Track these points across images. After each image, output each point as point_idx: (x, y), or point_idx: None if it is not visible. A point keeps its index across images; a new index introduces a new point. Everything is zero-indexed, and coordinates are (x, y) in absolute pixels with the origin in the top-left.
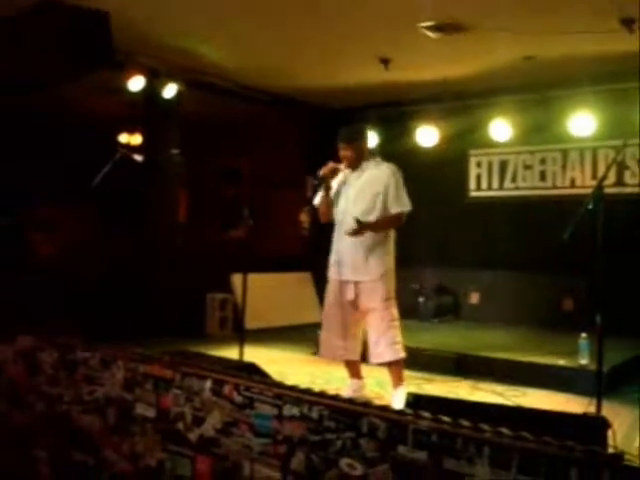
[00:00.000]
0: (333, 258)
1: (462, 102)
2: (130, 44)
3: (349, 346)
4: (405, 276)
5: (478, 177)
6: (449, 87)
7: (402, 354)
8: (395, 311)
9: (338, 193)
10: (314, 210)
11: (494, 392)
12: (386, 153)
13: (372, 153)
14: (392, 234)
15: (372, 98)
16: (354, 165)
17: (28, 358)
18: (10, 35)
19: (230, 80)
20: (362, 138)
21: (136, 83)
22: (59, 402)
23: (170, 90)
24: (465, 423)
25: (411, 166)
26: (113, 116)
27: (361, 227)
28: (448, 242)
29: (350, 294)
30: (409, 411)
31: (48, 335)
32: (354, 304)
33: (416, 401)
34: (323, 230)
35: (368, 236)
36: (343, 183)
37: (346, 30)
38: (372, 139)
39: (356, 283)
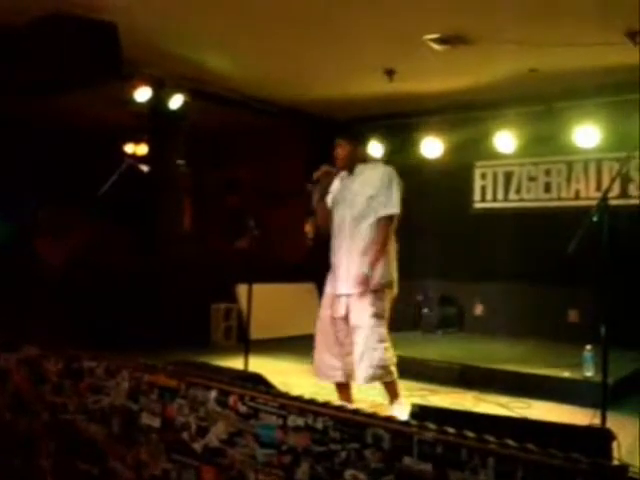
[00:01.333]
0: (329, 274)
1: (467, 114)
2: (137, 55)
3: (345, 367)
4: (409, 287)
5: (483, 188)
6: (454, 99)
7: (387, 378)
8: (384, 331)
9: (336, 199)
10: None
11: (498, 404)
12: (390, 164)
13: (372, 160)
14: (393, 243)
15: (376, 109)
16: (348, 166)
17: (33, 367)
18: (20, 45)
19: (235, 91)
20: (362, 141)
21: (143, 94)
22: (64, 411)
23: (176, 101)
24: (470, 434)
25: (416, 178)
26: (119, 126)
27: (364, 278)
28: (452, 253)
29: (342, 309)
30: (414, 422)
31: (53, 344)
32: (346, 320)
33: (421, 412)
34: (327, 241)
35: (363, 244)
36: (341, 189)
37: (351, 42)
38: (374, 150)
39: (348, 296)
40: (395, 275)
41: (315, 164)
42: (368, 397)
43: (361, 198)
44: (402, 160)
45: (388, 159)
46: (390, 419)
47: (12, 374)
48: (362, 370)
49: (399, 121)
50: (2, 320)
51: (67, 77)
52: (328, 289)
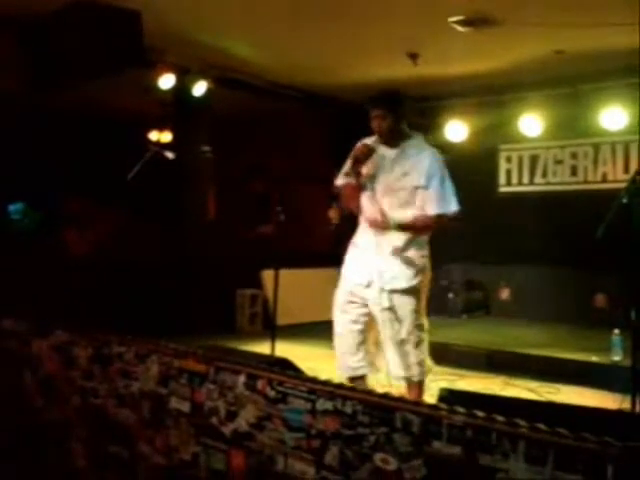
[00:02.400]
0: (349, 256)
1: (492, 97)
2: (161, 42)
3: (365, 360)
4: (433, 272)
5: (508, 172)
6: (478, 82)
7: (422, 376)
8: (424, 321)
9: (370, 177)
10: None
11: (527, 388)
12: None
13: (411, 128)
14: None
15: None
16: (390, 141)
17: (63, 352)
18: (44, 34)
19: (259, 77)
20: (403, 105)
21: (166, 81)
22: (95, 396)
23: (200, 88)
24: (499, 418)
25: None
26: (144, 114)
27: (388, 225)
28: (478, 238)
29: (369, 301)
30: (443, 406)
31: (83, 330)
32: (371, 313)
33: (450, 396)
34: (352, 226)
35: (397, 233)
36: (377, 166)
37: (375, 25)
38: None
39: (381, 289)
40: (427, 266)
41: (340, 149)
42: (392, 381)
43: (405, 185)
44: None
45: None
46: (419, 403)
47: (44, 360)
48: (396, 367)
49: (422, 105)
50: (31, 307)
51: (90, 65)
52: (347, 277)
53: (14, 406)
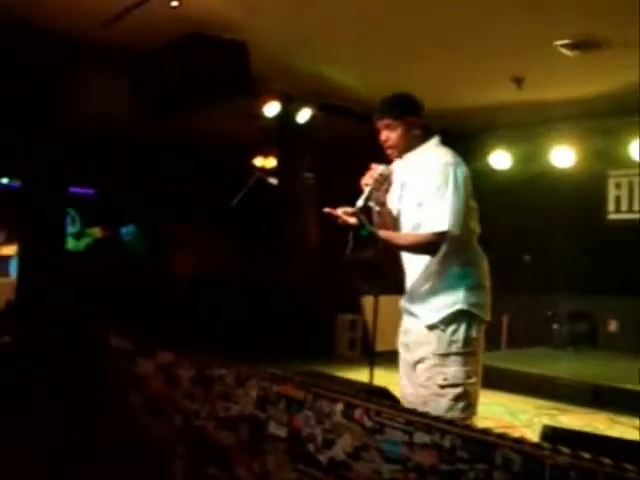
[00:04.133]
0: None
1: (600, 121)
2: (266, 71)
3: None
4: (537, 302)
5: (617, 199)
6: (586, 106)
7: None
8: (455, 371)
9: (394, 202)
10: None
11: (634, 427)
12: (519, 174)
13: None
14: (475, 258)
15: (503, 118)
16: (402, 155)
17: (167, 372)
18: (157, 65)
19: (360, 103)
20: (414, 109)
21: (271, 109)
22: (196, 417)
23: (304, 115)
24: (606, 461)
25: (546, 187)
26: (249, 140)
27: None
28: (585, 266)
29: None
30: (546, 445)
31: (185, 351)
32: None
33: (552, 434)
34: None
35: (424, 265)
36: (396, 186)
37: (479, 50)
38: (500, 160)
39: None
40: (480, 299)
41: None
42: (493, 413)
43: (412, 202)
44: (530, 169)
45: (516, 169)
46: (521, 440)
47: (149, 379)
48: None
49: (526, 130)
50: (140, 327)
51: (200, 95)
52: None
53: (120, 423)
